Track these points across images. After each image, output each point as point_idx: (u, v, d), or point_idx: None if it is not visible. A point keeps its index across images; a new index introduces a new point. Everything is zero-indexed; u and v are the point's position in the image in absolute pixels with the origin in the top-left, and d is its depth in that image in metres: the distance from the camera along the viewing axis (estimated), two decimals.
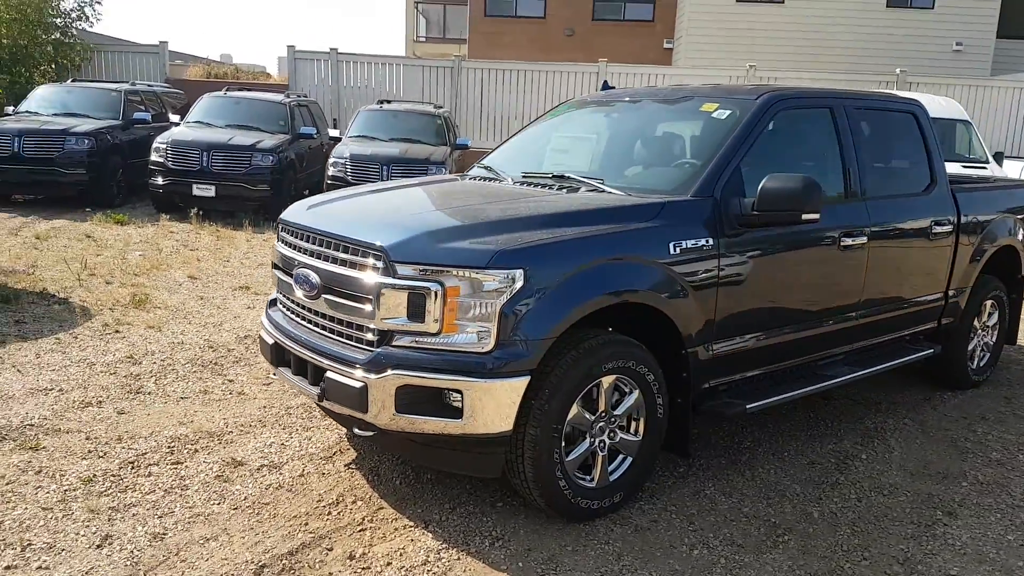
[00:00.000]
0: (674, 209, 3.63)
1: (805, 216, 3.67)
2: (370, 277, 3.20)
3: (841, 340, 4.46)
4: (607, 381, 3.39)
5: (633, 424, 3.58)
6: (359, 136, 12.57)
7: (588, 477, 3.46)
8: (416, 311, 3.10)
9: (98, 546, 3.10)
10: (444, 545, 3.22)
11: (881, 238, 4.46)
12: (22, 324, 5.99)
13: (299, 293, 3.54)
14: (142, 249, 9.17)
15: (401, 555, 3.14)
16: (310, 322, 3.57)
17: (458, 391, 3.06)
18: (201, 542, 3.16)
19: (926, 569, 3.24)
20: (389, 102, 13.80)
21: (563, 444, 3.30)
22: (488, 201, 3.90)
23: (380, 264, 3.18)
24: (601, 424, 3.44)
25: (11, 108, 12.92)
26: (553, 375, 3.21)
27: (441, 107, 14.39)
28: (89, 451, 3.90)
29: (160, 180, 11.35)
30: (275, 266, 3.90)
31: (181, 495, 3.53)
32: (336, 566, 3.05)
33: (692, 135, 4.18)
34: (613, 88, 5.26)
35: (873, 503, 3.80)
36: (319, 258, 3.48)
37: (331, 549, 3.16)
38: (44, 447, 3.92)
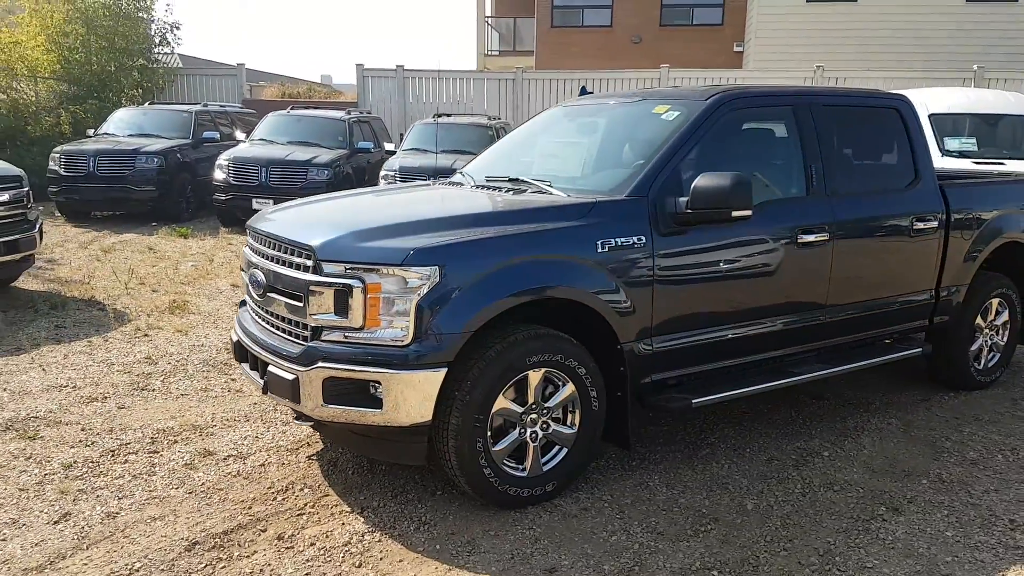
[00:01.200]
0: (604, 209, 3.72)
1: (735, 213, 3.70)
2: (302, 275, 3.43)
3: (806, 337, 4.41)
4: (536, 374, 3.50)
5: (569, 416, 3.67)
6: (412, 149, 12.91)
7: (521, 466, 3.58)
8: (342, 307, 3.31)
9: (55, 522, 3.43)
10: (371, 529, 3.41)
11: (849, 235, 4.41)
12: (61, 328, 6.52)
13: (253, 292, 3.81)
14: (196, 260, 9.74)
15: (327, 537, 3.34)
16: (262, 319, 3.83)
17: (378, 382, 3.25)
18: (148, 521, 3.45)
19: (843, 561, 3.22)
20: (448, 115, 14.07)
21: (489, 434, 3.43)
22: (430, 204, 4.09)
23: (310, 263, 3.40)
24: (533, 416, 3.55)
25: (91, 131, 13.91)
26: (475, 367, 3.36)
27: (496, 119, 14.65)
28: (80, 441, 4.27)
29: (222, 195, 12.02)
30: (242, 268, 4.18)
31: (146, 480, 3.83)
32: (263, 545, 3.27)
33: (642, 137, 4.25)
34: (591, 93, 5.36)
35: (817, 498, 3.77)
36: (265, 258, 3.74)
37: (264, 530, 3.39)
38: (41, 436, 4.31)
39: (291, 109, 14.14)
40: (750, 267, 4.10)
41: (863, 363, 4.69)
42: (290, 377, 3.41)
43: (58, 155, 12.29)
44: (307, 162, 11.85)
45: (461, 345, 3.29)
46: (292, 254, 3.53)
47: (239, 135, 14.07)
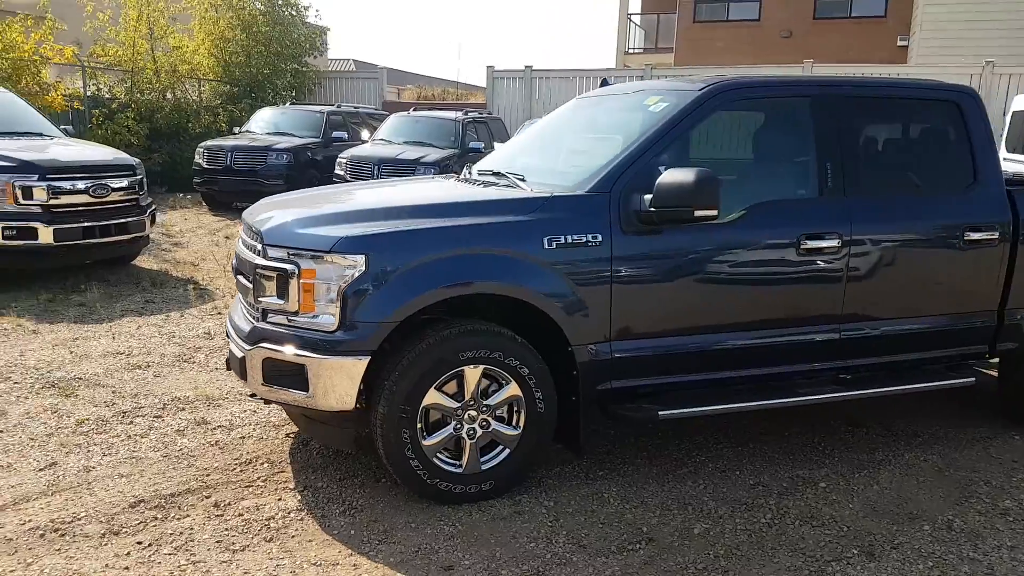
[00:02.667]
0: (557, 204, 3.59)
1: (699, 213, 3.45)
2: (253, 258, 3.56)
3: (815, 355, 4.04)
4: (473, 371, 3.44)
5: (515, 417, 3.58)
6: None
7: (458, 463, 3.53)
8: (283, 291, 3.40)
9: (40, 470, 3.76)
10: (300, 507, 3.48)
11: (871, 243, 3.99)
12: (150, 303, 7.13)
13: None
14: None
15: (257, 510, 3.45)
16: (240, 302, 4.01)
17: (303, 366, 3.32)
18: (116, 477, 3.70)
19: None
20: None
21: (420, 426, 3.41)
22: (394, 194, 4.12)
23: (259, 246, 3.53)
24: (472, 412, 3.49)
25: (237, 128, 15.07)
26: (405, 358, 3.35)
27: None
28: (104, 402, 4.65)
29: None
30: None
31: (135, 441, 4.12)
32: (197, 510, 3.43)
33: (624, 130, 4.05)
34: (610, 85, 5.17)
35: (785, 531, 3.44)
36: (241, 243, 3.91)
37: (208, 497, 3.55)
38: (76, 395, 4.74)
39: (412, 111, 14.68)
40: (736, 274, 3.80)
41: (891, 389, 4.21)
42: (239, 355, 3.56)
43: (202, 150, 13.42)
44: (415, 161, 12.25)
45: (385, 335, 3.29)
46: (252, 239, 3.67)
47: (364, 135, 14.74)
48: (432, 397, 3.40)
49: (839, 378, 4.17)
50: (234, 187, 13.13)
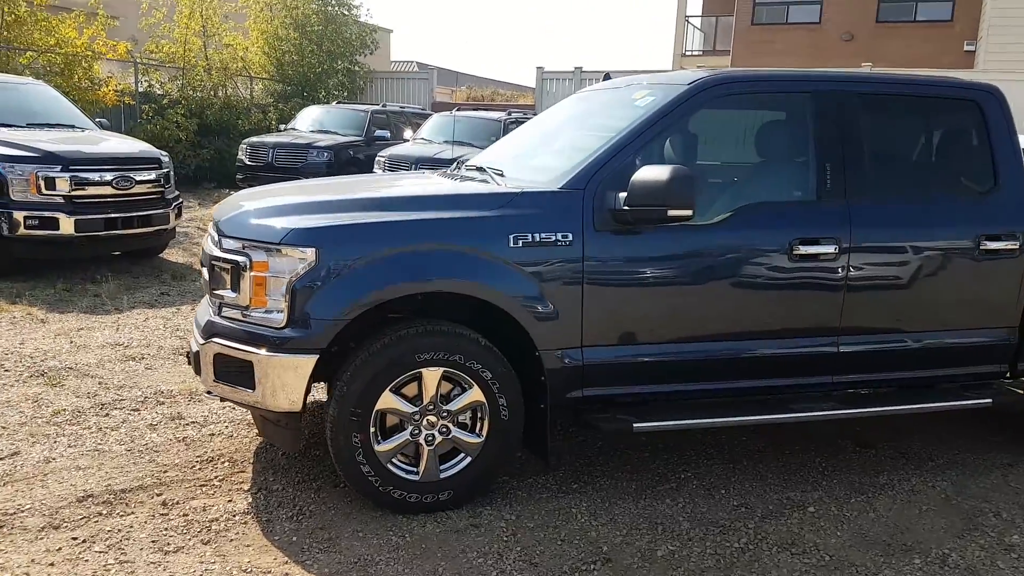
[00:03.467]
0: (524, 201, 3.40)
1: (672, 213, 3.22)
2: (212, 251, 3.46)
3: (807, 370, 3.75)
4: (432, 373, 3.27)
5: (479, 423, 3.40)
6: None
7: (415, 470, 3.36)
8: (235, 284, 3.29)
9: (2, 459, 3.72)
10: (249, 510, 3.36)
11: (873, 250, 3.70)
12: (164, 296, 7.16)
13: None
14: None
15: (203, 510, 3.34)
16: None
17: (251, 363, 3.19)
18: (73, 470, 3.64)
19: None
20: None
21: (374, 430, 3.25)
22: (365, 188, 3.98)
23: (217, 238, 3.43)
24: (431, 418, 3.32)
25: (283, 125, 15.23)
26: (358, 358, 3.21)
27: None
28: (88, 393, 4.63)
29: None
30: None
31: (104, 434, 4.06)
32: (144, 508, 3.33)
33: (608, 125, 3.83)
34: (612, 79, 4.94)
35: (758, 557, 3.18)
36: (208, 235, 3.82)
37: (160, 494, 3.46)
38: (63, 385, 4.73)
39: (456, 111, 14.63)
40: (721, 280, 3.55)
41: (894, 408, 3.91)
42: (195, 349, 3.46)
43: (245, 146, 13.58)
44: (453, 160, 12.16)
45: (335, 333, 3.14)
46: (212, 229, 3.58)
47: (407, 134, 14.72)
48: (386, 400, 3.24)
49: (838, 394, 3.87)
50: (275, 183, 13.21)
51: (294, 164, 13.15)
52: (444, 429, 3.34)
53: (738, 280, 3.57)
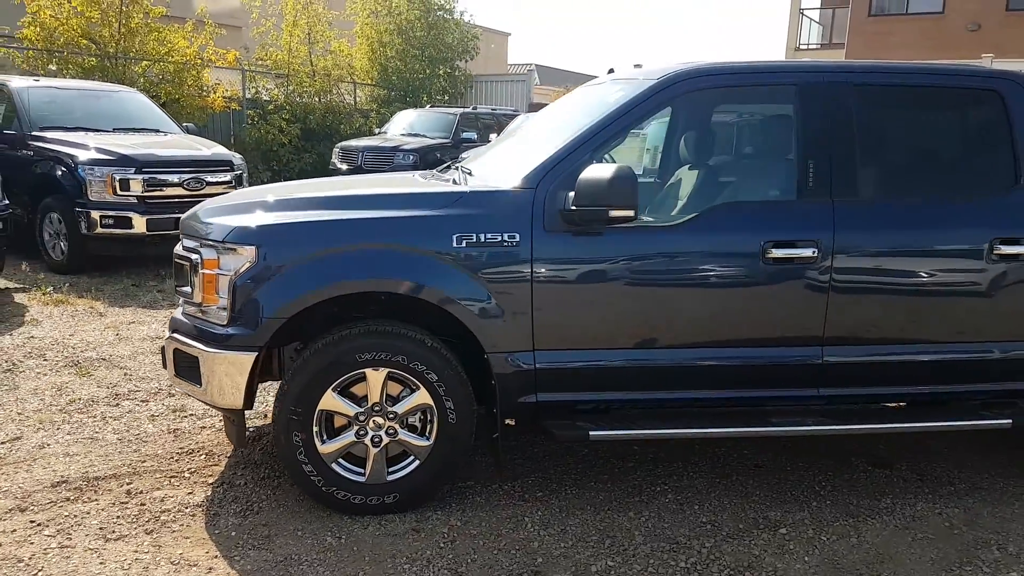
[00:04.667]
0: (472, 200, 3.32)
1: (614, 213, 3.06)
2: (177, 248, 3.57)
3: (787, 381, 3.48)
4: (376, 374, 3.25)
5: (428, 426, 3.36)
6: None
7: (361, 471, 3.35)
8: (191, 281, 3.39)
9: (2, 443, 3.98)
10: (202, 503, 3.44)
11: (865, 255, 3.39)
12: None
13: None
14: None
15: (161, 501, 3.45)
16: None
17: (198, 358, 3.28)
18: (62, 456, 3.85)
19: None
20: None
21: (315, 430, 3.26)
22: (328, 186, 3.99)
23: (180, 235, 3.54)
24: (377, 419, 3.30)
25: (377, 129, 15.67)
26: (299, 357, 3.23)
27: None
28: (109, 383, 4.89)
29: None
30: None
31: (104, 423, 4.28)
32: (109, 496, 3.47)
33: (575, 122, 3.67)
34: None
35: None
36: None
37: (130, 483, 3.60)
38: (91, 375, 5.02)
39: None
40: (687, 284, 3.35)
41: (889, 426, 3.58)
42: (162, 345, 3.59)
43: (338, 150, 14.09)
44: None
45: (273, 331, 3.18)
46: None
47: (493, 136, 14.80)
48: (329, 400, 3.24)
49: (828, 409, 3.58)
50: None
51: (381, 166, 13.49)
52: (391, 431, 3.31)
53: (706, 285, 3.36)
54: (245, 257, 3.17)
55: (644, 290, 3.33)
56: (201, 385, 3.28)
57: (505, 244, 3.21)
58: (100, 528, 3.20)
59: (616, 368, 3.38)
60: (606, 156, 3.65)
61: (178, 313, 3.53)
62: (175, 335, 3.41)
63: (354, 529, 3.25)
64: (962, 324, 3.50)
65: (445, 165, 4.44)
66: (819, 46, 24.57)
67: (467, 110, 15.63)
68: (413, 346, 3.23)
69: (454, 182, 3.68)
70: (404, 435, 3.33)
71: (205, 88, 15.21)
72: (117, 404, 4.56)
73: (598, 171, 3.08)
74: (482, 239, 3.21)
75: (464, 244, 3.20)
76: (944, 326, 3.49)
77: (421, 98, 19.84)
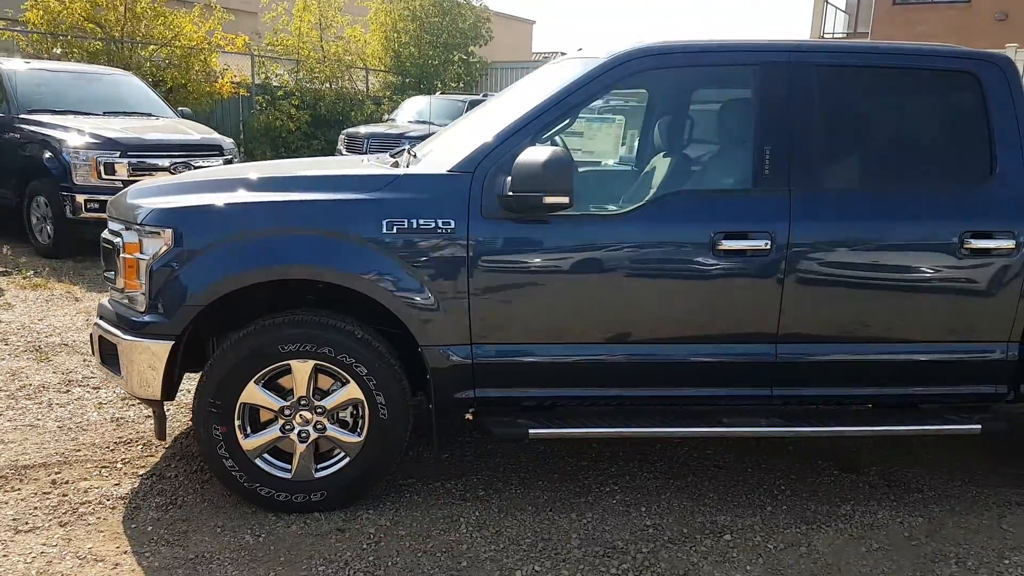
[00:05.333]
0: (405, 183, 3.16)
1: (548, 200, 2.89)
2: (104, 232, 3.44)
3: (740, 379, 3.29)
4: (302, 366, 3.10)
5: (360, 422, 3.21)
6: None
7: (287, 467, 3.22)
8: (115, 265, 3.27)
9: None
10: (126, 495, 3.32)
11: (822, 247, 3.19)
12: None
13: None
14: None
15: (84, 492, 3.34)
16: None
17: (116, 346, 3.16)
18: None
19: None
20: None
21: (237, 423, 3.12)
22: (265, 169, 3.85)
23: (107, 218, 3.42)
24: (305, 413, 3.16)
25: (386, 116, 15.55)
26: (220, 347, 3.10)
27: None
28: (66, 369, 4.79)
29: None
30: None
31: (50, 409, 4.18)
32: (34, 484, 3.37)
33: (527, 104, 3.48)
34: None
35: None
36: None
37: (58, 473, 3.49)
38: (49, 360, 4.94)
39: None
40: (632, 276, 3.16)
41: (847, 429, 3.38)
42: (90, 332, 3.47)
43: (343, 136, 13.96)
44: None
45: (190, 319, 3.04)
46: None
47: None
48: (252, 393, 3.10)
49: (784, 409, 3.39)
50: None
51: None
52: (319, 426, 3.17)
53: (654, 278, 3.17)
54: (163, 240, 3.03)
55: (588, 282, 3.15)
56: (121, 374, 3.16)
57: (439, 231, 3.05)
58: (14, 519, 3.10)
59: (560, 364, 3.22)
60: (557, 140, 3.47)
61: (106, 299, 3.40)
62: (99, 321, 3.30)
63: (276, 527, 3.12)
64: (929, 323, 3.28)
65: (399, 149, 4.27)
66: (845, 35, 24.05)
67: (477, 97, 15.42)
68: (341, 337, 3.08)
69: (395, 165, 3.52)
70: (333, 430, 3.18)
71: (213, 73, 15.14)
72: (68, 391, 4.46)
73: (533, 154, 2.91)
74: (414, 225, 3.05)
75: (395, 230, 3.04)
76: (909, 325, 3.28)
77: (435, 85, 19.66)
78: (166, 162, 7.96)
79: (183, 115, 9.75)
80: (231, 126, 16.43)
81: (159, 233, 3.04)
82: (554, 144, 3.34)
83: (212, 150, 8.45)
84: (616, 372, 3.26)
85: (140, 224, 3.09)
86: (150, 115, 9.08)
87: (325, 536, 3.08)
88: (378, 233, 3.04)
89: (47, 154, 7.79)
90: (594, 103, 3.29)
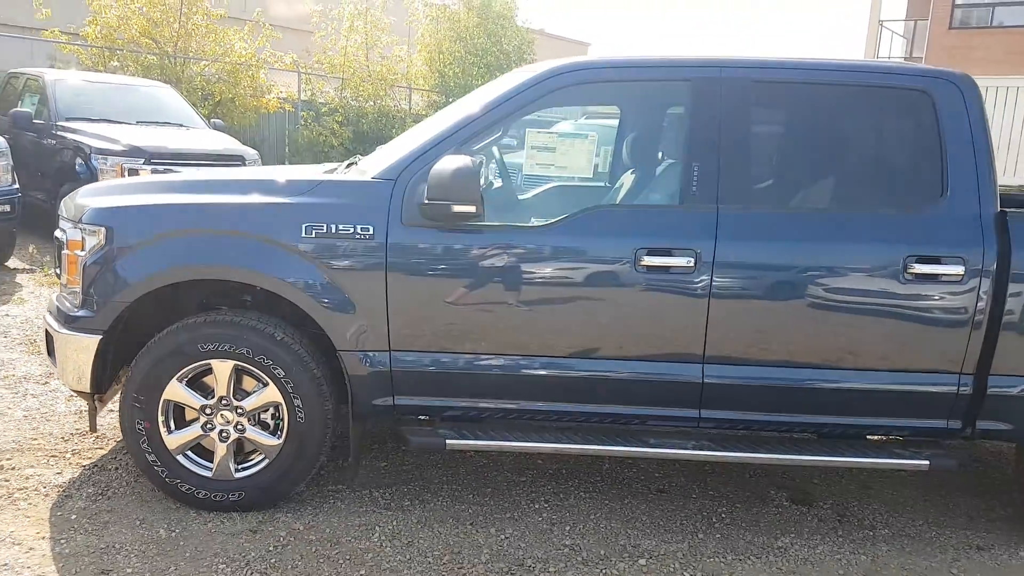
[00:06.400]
0: (324, 190, 3.20)
1: (456, 209, 2.90)
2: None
3: (663, 399, 3.21)
4: (223, 366, 3.16)
5: (280, 424, 3.25)
6: None
7: (209, 465, 3.27)
8: (61, 261, 3.39)
9: None
10: (63, 484, 3.42)
11: (749, 267, 3.11)
12: None
13: None
14: None
15: (25, 479, 3.44)
16: None
17: (53, 338, 3.27)
18: None
19: None
20: None
21: (161, 419, 3.18)
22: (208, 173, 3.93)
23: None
24: (226, 413, 3.21)
25: None
26: (147, 344, 3.18)
27: None
28: None
29: None
30: None
31: (23, 399, 4.33)
32: None
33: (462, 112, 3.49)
34: None
35: None
36: None
37: (8, 460, 3.61)
38: (41, 352, 5.12)
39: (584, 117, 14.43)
40: (552, 289, 3.13)
41: (780, 458, 3.25)
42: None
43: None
44: None
45: (116, 314, 3.13)
46: None
47: None
48: (174, 390, 3.17)
49: (710, 432, 3.30)
50: None
51: None
52: (239, 427, 3.22)
53: (574, 291, 3.13)
54: (97, 238, 3.14)
55: (504, 294, 3.13)
56: (56, 366, 3.27)
57: (357, 236, 3.08)
58: None
59: (478, 375, 3.20)
60: (492, 150, 3.48)
61: (54, 295, 3.53)
62: (46, 315, 3.42)
63: (192, 524, 3.17)
64: (871, 351, 3.15)
65: (350, 160, 4.33)
66: (902, 59, 23.43)
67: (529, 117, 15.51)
68: (259, 339, 3.13)
69: (330, 172, 3.57)
70: (252, 432, 3.22)
71: (260, 88, 15.59)
72: (46, 383, 4.62)
73: (445, 163, 2.93)
74: (333, 230, 3.08)
75: (313, 234, 3.08)
76: (850, 352, 3.15)
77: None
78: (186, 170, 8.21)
79: (216, 127, 10.06)
80: (277, 140, 16.89)
81: (95, 231, 3.14)
82: (493, 155, 3.34)
83: (234, 160, 8.69)
84: (538, 386, 3.22)
85: (81, 222, 3.19)
86: (182, 126, 9.40)
87: (236, 535, 3.10)
88: (297, 237, 3.08)
89: (78, 159, 8.13)
90: (525, 116, 3.27)
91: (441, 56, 19.65)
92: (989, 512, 3.67)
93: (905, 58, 23.06)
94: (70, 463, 3.64)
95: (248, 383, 3.23)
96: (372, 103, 17.97)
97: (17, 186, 7.39)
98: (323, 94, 17.81)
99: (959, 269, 3.06)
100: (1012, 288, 3.07)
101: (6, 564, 2.82)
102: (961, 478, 4.02)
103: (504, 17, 20.23)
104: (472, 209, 2.89)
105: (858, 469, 4.01)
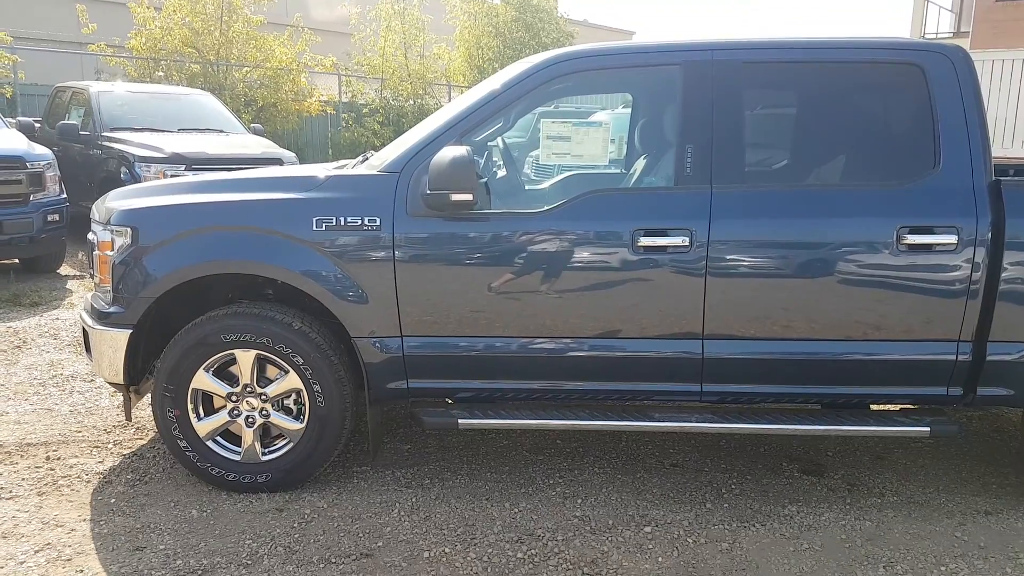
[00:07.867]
0: (336, 183, 3.36)
1: (455, 197, 3.04)
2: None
3: (665, 375, 3.31)
4: (245, 355, 3.35)
5: (303, 409, 3.44)
6: None
7: (238, 449, 3.48)
8: (92, 262, 3.63)
9: None
10: (104, 471, 3.66)
11: (743, 244, 3.18)
12: None
13: None
14: None
15: (70, 467, 3.68)
16: None
17: (89, 333, 3.51)
18: (11, 424, 4.18)
19: None
20: None
21: (190, 407, 3.40)
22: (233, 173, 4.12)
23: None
24: (252, 400, 3.41)
25: None
26: (175, 336, 3.40)
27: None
28: (76, 360, 5.26)
29: None
30: None
31: (70, 396, 4.62)
32: (32, 459, 3.74)
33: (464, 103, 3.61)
34: None
35: (534, 571, 2.89)
36: None
37: (55, 450, 3.86)
38: (70, 346, 5.44)
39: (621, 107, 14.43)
40: (556, 272, 3.24)
41: (783, 428, 3.32)
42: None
43: None
44: None
45: (143, 309, 3.34)
46: None
47: None
48: (201, 379, 3.37)
49: (711, 404, 3.39)
50: None
51: None
52: (264, 412, 3.42)
53: (575, 274, 3.24)
54: (124, 239, 3.36)
55: (511, 278, 3.26)
56: (91, 360, 3.51)
57: (365, 228, 3.24)
58: (1, 488, 3.48)
59: (487, 357, 3.33)
60: (497, 141, 3.61)
61: (90, 294, 3.77)
62: (82, 313, 3.66)
63: (223, 504, 3.37)
64: (869, 321, 3.19)
65: (363, 156, 4.50)
66: (951, 34, 22.74)
67: (547, 109, 15.57)
68: (279, 328, 3.31)
69: (340, 167, 3.74)
70: (277, 417, 3.42)
71: (301, 92, 15.98)
72: (92, 380, 4.90)
73: (443, 154, 3.07)
74: (342, 222, 3.25)
75: (324, 227, 3.25)
76: (848, 323, 3.20)
77: None
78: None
79: (255, 131, 10.39)
80: (319, 142, 17.27)
81: (123, 232, 3.36)
82: (498, 145, 3.47)
83: (272, 162, 8.95)
84: (545, 366, 3.34)
85: (109, 224, 3.42)
86: (222, 131, 9.73)
87: (263, 514, 3.30)
88: (309, 230, 3.25)
89: (123, 168, 8.50)
90: (524, 105, 3.38)
91: (480, 52, 19.81)
92: (1002, 480, 3.67)
93: (954, 33, 22.38)
94: (111, 453, 3.89)
95: (271, 371, 3.41)
96: (412, 102, 18.22)
97: (65, 195, 7.77)
98: (363, 95, 18.12)
99: (952, 239, 3.09)
100: (1008, 256, 3.08)
101: (49, 543, 3.06)
102: (979, 447, 4.02)
103: (543, 10, 20.28)
104: (469, 197, 3.02)
105: (872, 440, 4.05)
